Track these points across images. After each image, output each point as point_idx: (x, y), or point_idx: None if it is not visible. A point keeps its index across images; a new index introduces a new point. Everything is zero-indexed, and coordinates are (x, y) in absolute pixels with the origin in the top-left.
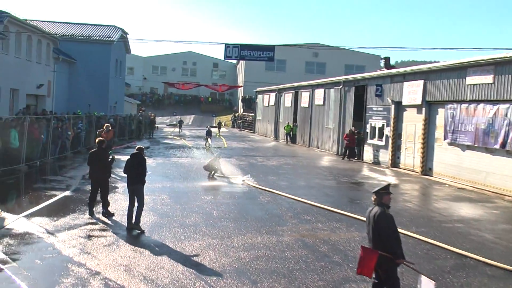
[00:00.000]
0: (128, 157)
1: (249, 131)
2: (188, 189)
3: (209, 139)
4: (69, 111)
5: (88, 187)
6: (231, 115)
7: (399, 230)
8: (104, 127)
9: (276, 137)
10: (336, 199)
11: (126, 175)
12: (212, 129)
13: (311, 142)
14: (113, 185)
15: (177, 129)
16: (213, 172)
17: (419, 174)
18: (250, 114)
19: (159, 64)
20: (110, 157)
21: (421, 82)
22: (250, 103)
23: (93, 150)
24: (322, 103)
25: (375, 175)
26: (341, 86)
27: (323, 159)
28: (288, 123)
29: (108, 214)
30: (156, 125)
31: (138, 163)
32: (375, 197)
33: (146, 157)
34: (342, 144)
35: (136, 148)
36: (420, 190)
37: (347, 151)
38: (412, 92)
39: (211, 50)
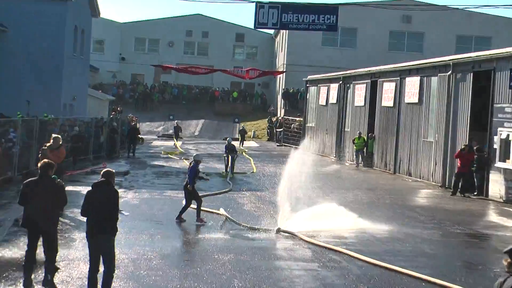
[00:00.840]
0: (89, 188)
1: (295, 146)
2: (192, 242)
3: (229, 158)
4: None
5: (23, 240)
6: (266, 120)
7: None
8: (52, 141)
9: (340, 156)
10: (442, 261)
11: (85, 219)
12: (235, 143)
13: (399, 165)
14: (65, 235)
15: (176, 143)
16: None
17: None
18: (297, 119)
19: (146, 36)
20: (56, 182)
21: None
22: (296, 101)
23: (31, 179)
24: (417, 100)
25: (509, 223)
26: (449, 72)
27: (419, 194)
28: (359, 133)
29: (50, 286)
30: (140, 136)
31: (105, 200)
32: (509, 260)
33: (121, 189)
34: (452, 169)
35: (103, 173)
36: None
37: (461, 181)
38: None
39: (233, 13)
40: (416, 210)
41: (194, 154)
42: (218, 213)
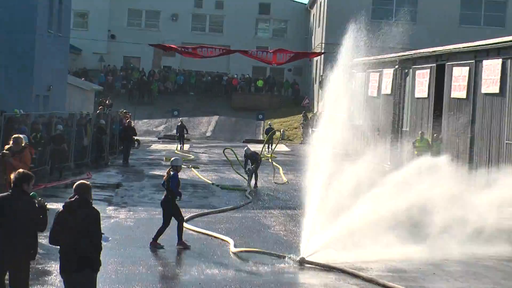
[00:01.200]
0: (60, 209)
1: (337, 150)
2: (202, 276)
3: (249, 169)
4: None
5: None
6: (301, 116)
7: None
8: (12, 142)
9: (396, 163)
10: None
11: (58, 249)
12: (255, 148)
13: (474, 176)
14: (38, 266)
15: (178, 145)
16: None
17: None
18: (339, 115)
19: (143, 7)
20: (36, 201)
21: None
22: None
23: (2, 196)
24: (497, 90)
25: None
26: None
27: (502, 214)
28: (422, 134)
29: None
30: (135, 138)
31: (81, 223)
32: None
33: (111, 207)
34: None
35: (75, 188)
36: None
37: None
38: None
39: None
40: (498, 235)
41: (172, 159)
42: (222, 240)
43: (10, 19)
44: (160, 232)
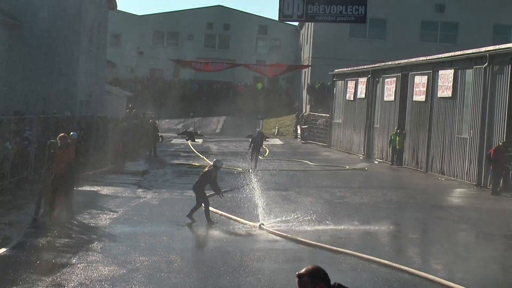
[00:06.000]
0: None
1: (321, 143)
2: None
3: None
4: (7, 110)
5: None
6: (295, 115)
7: None
8: (59, 139)
9: (369, 154)
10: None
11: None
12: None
13: (431, 163)
14: (82, 236)
15: (199, 141)
16: None
17: None
18: (323, 115)
19: (165, 29)
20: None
21: None
22: (323, 96)
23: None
24: (450, 94)
25: None
26: (485, 64)
27: (452, 194)
28: (396, 130)
29: None
30: (159, 134)
31: None
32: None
33: (140, 189)
34: (487, 166)
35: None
36: None
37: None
38: None
39: (256, 5)
40: (446, 209)
41: (215, 160)
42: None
43: (60, 39)
44: (194, 209)
